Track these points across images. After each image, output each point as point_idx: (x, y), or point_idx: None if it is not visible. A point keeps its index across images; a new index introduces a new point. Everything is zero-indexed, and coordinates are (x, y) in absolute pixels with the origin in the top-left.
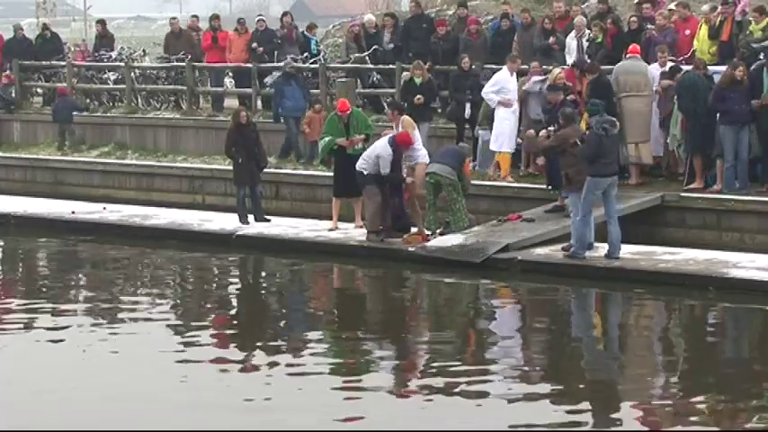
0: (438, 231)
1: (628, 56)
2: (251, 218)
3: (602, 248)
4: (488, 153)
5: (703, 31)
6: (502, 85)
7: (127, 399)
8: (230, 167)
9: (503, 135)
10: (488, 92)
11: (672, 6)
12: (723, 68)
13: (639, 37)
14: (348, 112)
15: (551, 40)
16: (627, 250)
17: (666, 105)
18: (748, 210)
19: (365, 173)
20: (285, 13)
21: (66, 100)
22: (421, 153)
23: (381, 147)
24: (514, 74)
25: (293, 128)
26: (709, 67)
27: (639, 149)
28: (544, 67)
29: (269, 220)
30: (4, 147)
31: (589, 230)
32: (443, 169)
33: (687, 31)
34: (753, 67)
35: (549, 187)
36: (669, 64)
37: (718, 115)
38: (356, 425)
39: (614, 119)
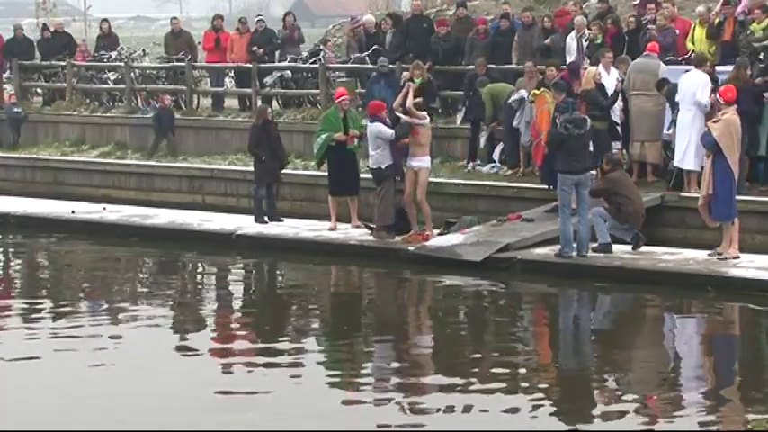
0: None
1: (644, 54)
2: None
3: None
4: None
5: (699, 32)
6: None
7: (126, 398)
8: (230, 167)
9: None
10: (703, 95)
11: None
12: (725, 68)
13: (637, 37)
14: (347, 98)
15: (548, 40)
16: (627, 250)
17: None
18: (748, 210)
19: (383, 167)
20: (288, 13)
21: (166, 110)
22: (425, 158)
23: (370, 128)
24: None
25: None
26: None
27: (646, 148)
28: (539, 67)
29: (282, 220)
30: (5, 147)
31: (584, 228)
32: None
33: (677, 31)
34: None
35: (551, 187)
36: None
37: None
38: (355, 424)
39: (584, 117)
